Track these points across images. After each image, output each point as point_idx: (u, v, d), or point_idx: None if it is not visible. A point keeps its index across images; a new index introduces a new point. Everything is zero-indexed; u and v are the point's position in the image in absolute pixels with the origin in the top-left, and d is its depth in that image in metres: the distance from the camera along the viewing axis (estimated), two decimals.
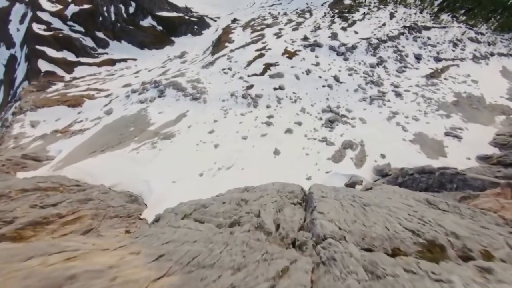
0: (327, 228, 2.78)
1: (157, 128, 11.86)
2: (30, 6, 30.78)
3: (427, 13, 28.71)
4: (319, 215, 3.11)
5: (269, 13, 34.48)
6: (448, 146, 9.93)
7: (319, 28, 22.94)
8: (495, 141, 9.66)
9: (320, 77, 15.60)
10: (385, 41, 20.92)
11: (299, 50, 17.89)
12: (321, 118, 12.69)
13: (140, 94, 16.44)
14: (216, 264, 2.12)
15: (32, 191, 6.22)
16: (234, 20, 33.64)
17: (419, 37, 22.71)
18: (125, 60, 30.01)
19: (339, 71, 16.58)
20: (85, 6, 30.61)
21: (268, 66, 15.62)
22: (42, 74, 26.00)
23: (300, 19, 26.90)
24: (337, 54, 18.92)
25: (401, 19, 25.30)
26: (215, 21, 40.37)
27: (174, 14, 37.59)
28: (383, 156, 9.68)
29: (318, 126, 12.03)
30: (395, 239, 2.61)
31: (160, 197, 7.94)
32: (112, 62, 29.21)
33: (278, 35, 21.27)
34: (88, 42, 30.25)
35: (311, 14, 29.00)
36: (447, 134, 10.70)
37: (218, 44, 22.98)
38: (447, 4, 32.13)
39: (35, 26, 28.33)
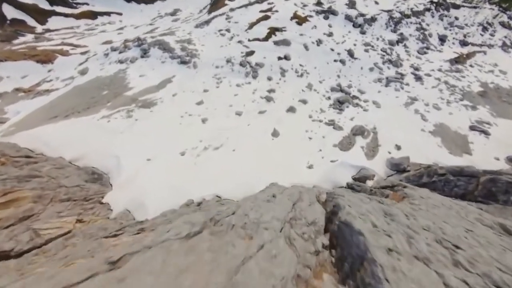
0: None
1: (136, 93, 10.11)
2: None
3: None
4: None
5: None
6: (473, 142, 8.75)
7: None
8: None
9: (332, 49, 13.67)
10: (408, 16, 18.62)
11: (311, 16, 15.57)
12: (329, 98, 11.16)
13: (120, 53, 14.24)
14: None
15: None
16: None
17: (446, 16, 20.37)
18: (108, 13, 26.47)
19: (354, 45, 14.63)
20: None
21: (273, 30, 13.47)
22: (8, 22, 22.60)
23: None
24: (354, 26, 16.69)
25: None
26: None
27: None
28: (398, 147, 8.46)
29: (326, 107, 10.56)
30: None
31: (130, 177, 6.62)
32: (92, 15, 25.71)
33: None
34: None
35: None
36: (472, 128, 9.47)
37: (217, 2, 20.05)
38: None
39: None
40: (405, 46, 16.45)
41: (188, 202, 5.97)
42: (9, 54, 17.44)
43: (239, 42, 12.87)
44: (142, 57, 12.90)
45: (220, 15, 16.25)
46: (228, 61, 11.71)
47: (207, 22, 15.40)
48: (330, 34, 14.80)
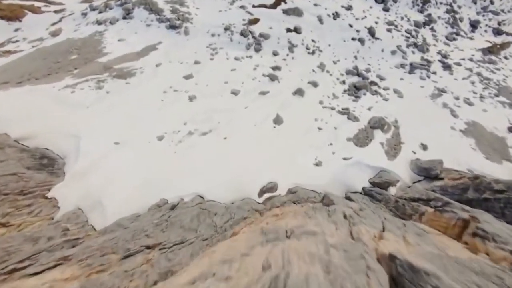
0: None
1: (111, 60, 8.49)
2: None
3: None
4: None
5: None
6: None
7: None
8: None
9: (350, 25, 11.92)
10: None
11: None
12: (344, 82, 9.67)
13: (100, 12, 12.29)
14: None
15: None
16: None
17: None
18: None
19: (376, 23, 12.84)
20: None
21: None
22: None
23: None
24: (376, 1, 14.75)
25: None
26: None
27: None
28: (424, 146, 7.21)
29: (339, 92, 9.11)
30: None
31: (90, 165, 5.30)
32: None
33: None
34: None
35: None
36: None
37: None
38: None
39: None
40: (432, 29, 14.67)
41: (161, 203, 4.72)
42: None
43: (242, 7, 11.00)
44: (124, 18, 11.03)
45: None
46: (226, 29, 9.97)
47: None
48: (349, 8, 12.93)
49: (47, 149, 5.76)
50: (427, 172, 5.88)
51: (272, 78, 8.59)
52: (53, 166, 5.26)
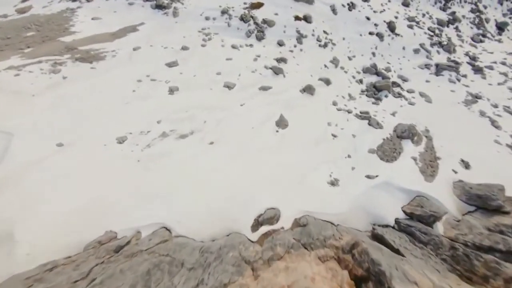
0: None
1: (77, 40, 7.05)
2: None
3: None
4: None
5: None
6: None
7: None
8: None
9: (368, 18, 10.65)
10: None
11: None
12: (361, 81, 8.33)
13: None
14: None
15: None
16: None
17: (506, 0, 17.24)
18: None
19: (396, 17, 11.63)
20: None
21: None
22: None
23: None
24: None
25: None
26: None
27: None
28: (466, 164, 5.81)
29: (356, 92, 7.75)
30: None
31: (14, 173, 3.81)
32: None
33: None
34: None
35: None
36: None
37: None
38: None
39: None
40: (457, 29, 13.49)
41: (104, 239, 3.23)
42: None
43: None
44: None
45: None
46: (224, 12, 8.60)
47: None
48: None
49: None
50: (483, 201, 4.45)
51: (276, 71, 7.20)
52: None
